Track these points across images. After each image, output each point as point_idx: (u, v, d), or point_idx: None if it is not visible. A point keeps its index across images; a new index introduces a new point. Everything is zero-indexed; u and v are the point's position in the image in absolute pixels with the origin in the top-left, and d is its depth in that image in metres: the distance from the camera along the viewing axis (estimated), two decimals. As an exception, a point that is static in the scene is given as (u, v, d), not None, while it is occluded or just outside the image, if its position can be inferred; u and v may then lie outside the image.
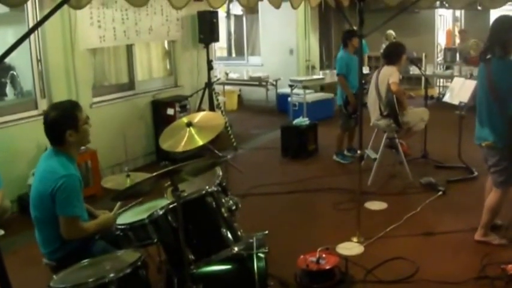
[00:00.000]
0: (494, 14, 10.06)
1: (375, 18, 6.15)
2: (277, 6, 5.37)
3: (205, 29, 8.34)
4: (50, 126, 3.22)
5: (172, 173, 2.85)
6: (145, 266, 2.96)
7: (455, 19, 15.58)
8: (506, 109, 4.21)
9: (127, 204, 3.70)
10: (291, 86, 10.02)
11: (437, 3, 10.66)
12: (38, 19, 6.09)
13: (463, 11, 14.56)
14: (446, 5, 9.56)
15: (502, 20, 4.43)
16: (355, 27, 5.01)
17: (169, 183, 2.96)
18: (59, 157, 3.22)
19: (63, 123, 3.20)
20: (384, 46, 10.28)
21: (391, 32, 12.19)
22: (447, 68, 12.80)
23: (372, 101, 6.53)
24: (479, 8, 10.70)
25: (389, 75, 6.25)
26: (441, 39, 15.44)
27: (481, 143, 4.46)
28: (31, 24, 6.12)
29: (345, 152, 7.65)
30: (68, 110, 3.26)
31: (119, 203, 3.56)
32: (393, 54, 6.52)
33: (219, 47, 13.58)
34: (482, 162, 4.72)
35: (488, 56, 4.33)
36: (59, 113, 3.23)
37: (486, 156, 4.51)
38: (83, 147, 4.65)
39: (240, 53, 13.92)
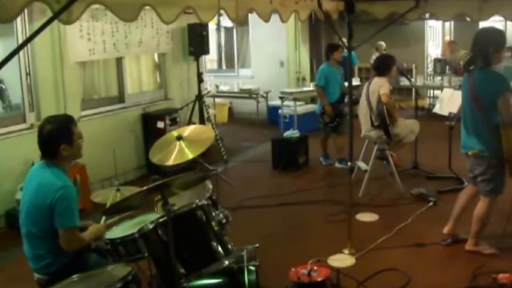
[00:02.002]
0: (484, 25, 10.15)
1: (365, 29, 6.20)
2: (267, 20, 5.37)
3: (196, 41, 8.33)
4: (44, 140, 3.21)
5: (162, 187, 2.84)
6: (136, 280, 2.93)
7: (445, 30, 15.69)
8: (491, 118, 4.24)
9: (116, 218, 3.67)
10: (281, 98, 10.03)
11: (427, 15, 10.74)
12: (27, 31, 6.05)
13: (452, 22, 14.68)
14: (435, 17, 9.66)
15: (485, 31, 4.58)
16: (344, 39, 5.04)
17: (159, 197, 2.95)
18: (53, 169, 3.20)
19: (58, 137, 3.19)
20: (374, 57, 10.33)
21: (381, 43, 12.27)
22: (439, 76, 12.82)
23: (363, 111, 6.55)
24: (468, 19, 10.79)
25: (379, 86, 6.30)
26: (431, 50, 15.51)
27: (467, 151, 4.48)
28: (20, 37, 6.07)
29: (321, 158, 8.07)
30: (63, 124, 3.26)
31: (104, 216, 3.53)
32: (383, 66, 6.60)
33: (210, 60, 13.57)
34: (467, 172, 4.74)
35: (472, 67, 4.39)
36: (54, 126, 3.22)
37: (472, 165, 4.53)
38: (72, 162, 4.62)
39: (230, 65, 13.92)
